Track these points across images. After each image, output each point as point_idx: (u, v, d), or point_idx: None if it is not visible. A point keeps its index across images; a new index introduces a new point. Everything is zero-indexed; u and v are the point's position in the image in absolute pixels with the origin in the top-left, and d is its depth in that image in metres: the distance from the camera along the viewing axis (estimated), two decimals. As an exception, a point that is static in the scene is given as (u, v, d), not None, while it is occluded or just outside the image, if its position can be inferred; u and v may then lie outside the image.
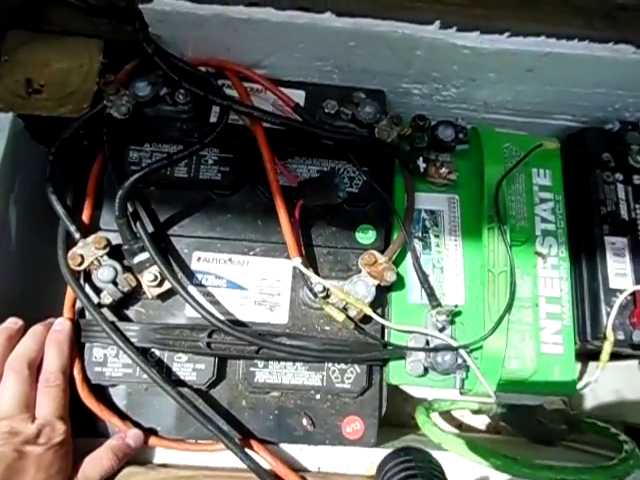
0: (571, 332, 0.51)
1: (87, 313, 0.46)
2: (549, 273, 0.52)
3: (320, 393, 0.48)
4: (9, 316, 0.45)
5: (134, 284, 0.46)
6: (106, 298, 0.46)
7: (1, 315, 0.46)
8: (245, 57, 0.53)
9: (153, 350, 0.47)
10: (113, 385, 0.47)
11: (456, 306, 0.49)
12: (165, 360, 0.47)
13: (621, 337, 0.50)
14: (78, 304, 0.47)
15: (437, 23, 0.48)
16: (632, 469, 0.43)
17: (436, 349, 0.47)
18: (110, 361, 0.46)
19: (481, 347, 0.48)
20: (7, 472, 0.38)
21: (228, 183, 0.50)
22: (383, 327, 0.50)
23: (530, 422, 0.55)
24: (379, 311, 0.48)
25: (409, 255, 0.50)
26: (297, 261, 0.46)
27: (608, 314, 0.50)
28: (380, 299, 0.48)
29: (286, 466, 0.45)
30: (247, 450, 0.43)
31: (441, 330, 0.48)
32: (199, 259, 0.50)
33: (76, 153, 0.51)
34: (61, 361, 0.44)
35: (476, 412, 0.59)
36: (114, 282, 0.46)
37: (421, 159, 0.53)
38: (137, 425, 0.46)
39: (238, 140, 0.51)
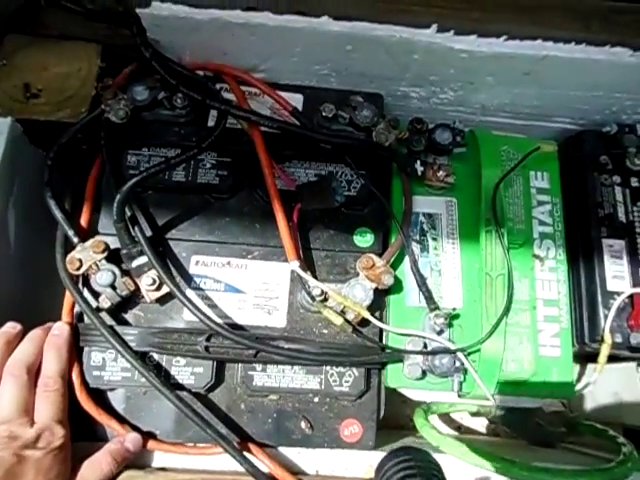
0: (569, 335, 0.51)
1: (86, 317, 0.46)
2: (547, 276, 0.52)
3: (318, 396, 0.48)
4: (7, 320, 0.45)
5: (132, 288, 0.46)
6: (104, 302, 0.46)
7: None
8: (243, 61, 0.53)
9: (151, 354, 0.47)
10: (112, 389, 0.47)
11: (454, 309, 0.49)
12: (163, 364, 0.47)
13: (619, 339, 0.50)
14: (77, 308, 0.47)
15: (434, 27, 0.48)
16: (630, 471, 0.43)
17: (434, 352, 0.47)
18: (109, 365, 0.47)
19: (479, 350, 0.48)
20: (6, 476, 0.38)
21: (226, 187, 0.50)
22: (381, 330, 0.50)
23: (529, 424, 0.55)
24: (377, 314, 0.48)
25: (407, 258, 0.51)
26: (295, 264, 0.47)
27: (606, 316, 0.50)
28: (378, 302, 0.48)
29: (284, 469, 0.45)
30: (245, 453, 0.44)
31: (439, 333, 0.48)
32: (197, 263, 0.50)
33: (74, 157, 0.51)
34: (60, 365, 0.44)
35: (475, 414, 0.59)
36: (112, 286, 0.46)
37: (419, 162, 0.53)
38: (136, 429, 0.46)
39: (236, 144, 0.51)
